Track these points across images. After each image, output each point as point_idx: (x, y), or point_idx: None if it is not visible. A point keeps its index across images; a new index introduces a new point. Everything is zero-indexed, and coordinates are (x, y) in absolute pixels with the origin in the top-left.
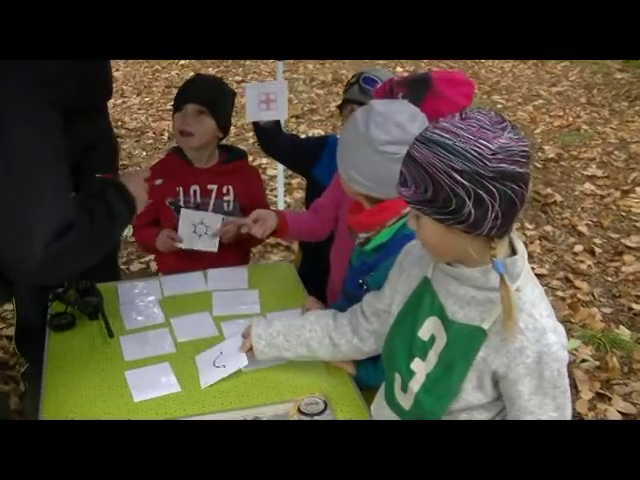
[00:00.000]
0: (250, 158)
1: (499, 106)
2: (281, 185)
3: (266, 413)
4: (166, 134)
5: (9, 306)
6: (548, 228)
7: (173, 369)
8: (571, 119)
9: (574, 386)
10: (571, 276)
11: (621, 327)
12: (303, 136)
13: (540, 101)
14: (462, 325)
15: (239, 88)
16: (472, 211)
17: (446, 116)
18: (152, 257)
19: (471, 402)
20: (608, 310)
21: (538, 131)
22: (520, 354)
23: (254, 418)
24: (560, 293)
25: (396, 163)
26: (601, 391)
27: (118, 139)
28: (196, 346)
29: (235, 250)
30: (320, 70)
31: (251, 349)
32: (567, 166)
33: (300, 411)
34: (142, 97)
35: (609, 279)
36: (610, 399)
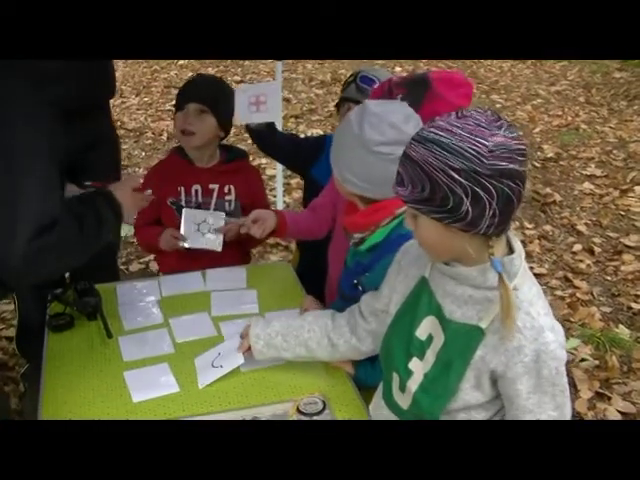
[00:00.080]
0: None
1: (498, 105)
2: (280, 185)
3: (265, 413)
4: (165, 134)
5: (9, 307)
6: (547, 227)
7: (172, 369)
8: (570, 118)
9: (573, 385)
10: (570, 275)
11: (620, 326)
12: (302, 136)
13: (539, 100)
14: (460, 324)
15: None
16: (470, 209)
17: (442, 115)
18: (151, 257)
19: (469, 401)
20: (607, 309)
21: (537, 130)
22: (518, 353)
23: (253, 418)
24: (559, 292)
25: (390, 164)
26: (600, 390)
27: None
28: (195, 346)
29: (236, 250)
30: (319, 70)
31: (249, 349)
32: (566, 165)
33: (299, 411)
34: (141, 97)
35: (608, 278)
36: (609, 398)
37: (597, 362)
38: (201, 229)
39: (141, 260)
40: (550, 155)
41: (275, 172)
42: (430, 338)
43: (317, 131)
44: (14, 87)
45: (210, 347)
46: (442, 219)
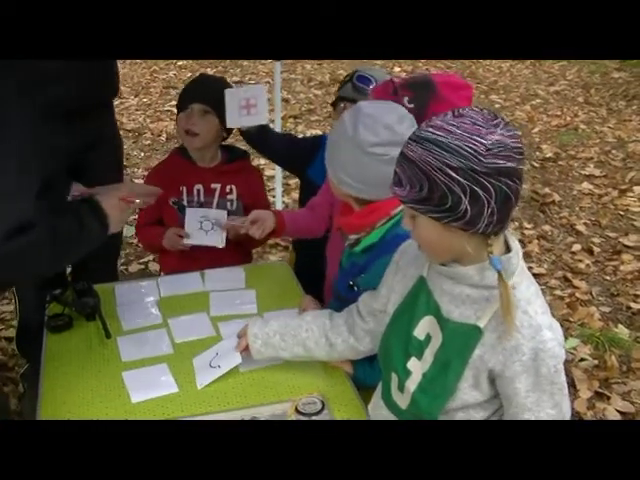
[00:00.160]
0: None
1: (497, 106)
2: (279, 185)
3: (264, 413)
4: (164, 135)
5: (8, 307)
6: (546, 227)
7: (171, 370)
8: (569, 118)
9: (573, 385)
10: (569, 275)
11: (620, 326)
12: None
13: (538, 101)
14: (457, 324)
15: None
16: (468, 208)
17: (438, 115)
18: (151, 258)
19: (468, 401)
20: (606, 309)
21: (536, 130)
22: (516, 351)
23: (252, 418)
24: (558, 292)
25: (385, 164)
26: (600, 390)
27: None
28: (193, 346)
29: (237, 251)
30: (318, 70)
31: (247, 348)
32: (565, 165)
33: (298, 411)
34: (140, 98)
35: (607, 278)
36: (609, 398)
37: (596, 362)
38: (204, 227)
39: (140, 261)
40: (549, 155)
41: (274, 172)
42: (428, 338)
43: (316, 131)
44: None
45: (209, 347)
46: (441, 218)
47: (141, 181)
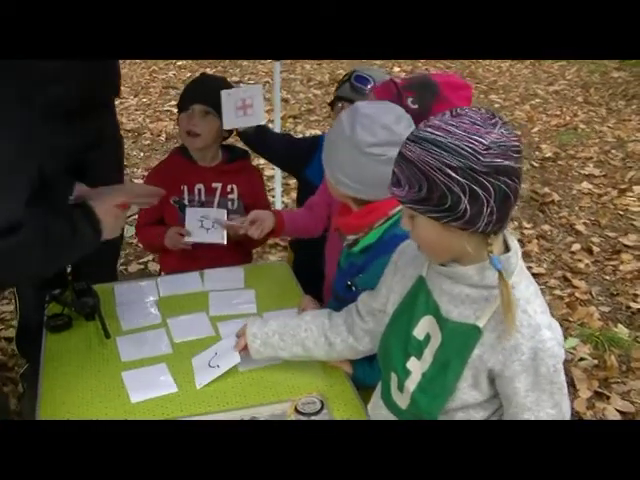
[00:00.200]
0: None
1: (496, 105)
2: (279, 185)
3: (263, 413)
4: (163, 135)
5: (8, 307)
6: (546, 227)
7: (170, 370)
8: (568, 118)
9: (572, 385)
10: (569, 275)
11: (619, 325)
12: (300, 136)
13: (537, 100)
14: (457, 324)
15: None
16: (468, 207)
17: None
18: (150, 258)
19: (467, 401)
20: (606, 309)
21: (535, 130)
22: (515, 351)
23: (251, 418)
24: (558, 292)
25: (382, 165)
26: (599, 390)
27: None
28: (193, 346)
29: (237, 251)
30: (317, 70)
31: (246, 348)
32: (564, 165)
33: (297, 411)
34: (139, 98)
35: (607, 278)
36: (608, 398)
37: (596, 361)
38: (204, 225)
39: (140, 261)
40: (548, 155)
41: (274, 172)
42: (428, 338)
43: (315, 131)
44: None
45: (208, 347)
46: (440, 218)
47: (141, 181)
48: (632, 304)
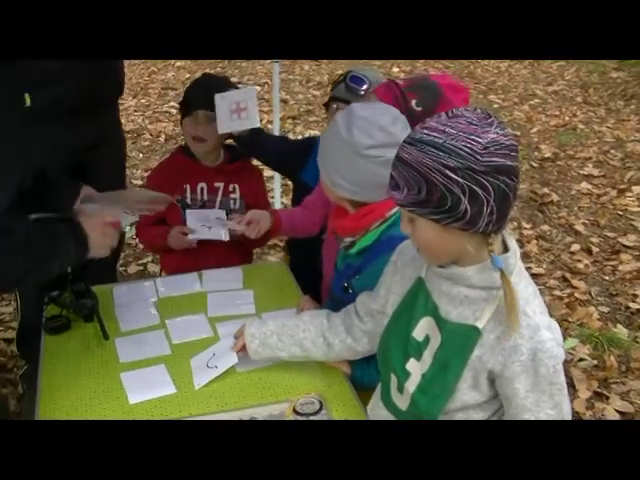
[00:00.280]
0: None
1: (495, 106)
2: (278, 186)
3: (262, 413)
4: (163, 136)
5: (7, 309)
6: (545, 227)
7: (168, 370)
8: (567, 118)
9: (572, 385)
10: (568, 275)
11: (618, 326)
12: (299, 137)
13: (536, 100)
14: (456, 325)
15: None
16: (468, 207)
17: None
18: (150, 259)
19: (467, 402)
20: (605, 309)
21: (534, 130)
22: (515, 352)
23: (250, 418)
24: (557, 292)
25: (379, 166)
26: (599, 390)
27: None
28: (191, 347)
29: (238, 251)
30: (316, 71)
31: (244, 349)
32: (564, 165)
33: (296, 411)
34: (138, 99)
35: (606, 278)
36: (608, 398)
37: (595, 362)
38: (206, 224)
39: (139, 262)
40: (548, 155)
41: (273, 173)
42: (427, 339)
43: (314, 132)
44: None
45: (206, 348)
46: (440, 220)
47: (140, 182)
48: (631, 304)
